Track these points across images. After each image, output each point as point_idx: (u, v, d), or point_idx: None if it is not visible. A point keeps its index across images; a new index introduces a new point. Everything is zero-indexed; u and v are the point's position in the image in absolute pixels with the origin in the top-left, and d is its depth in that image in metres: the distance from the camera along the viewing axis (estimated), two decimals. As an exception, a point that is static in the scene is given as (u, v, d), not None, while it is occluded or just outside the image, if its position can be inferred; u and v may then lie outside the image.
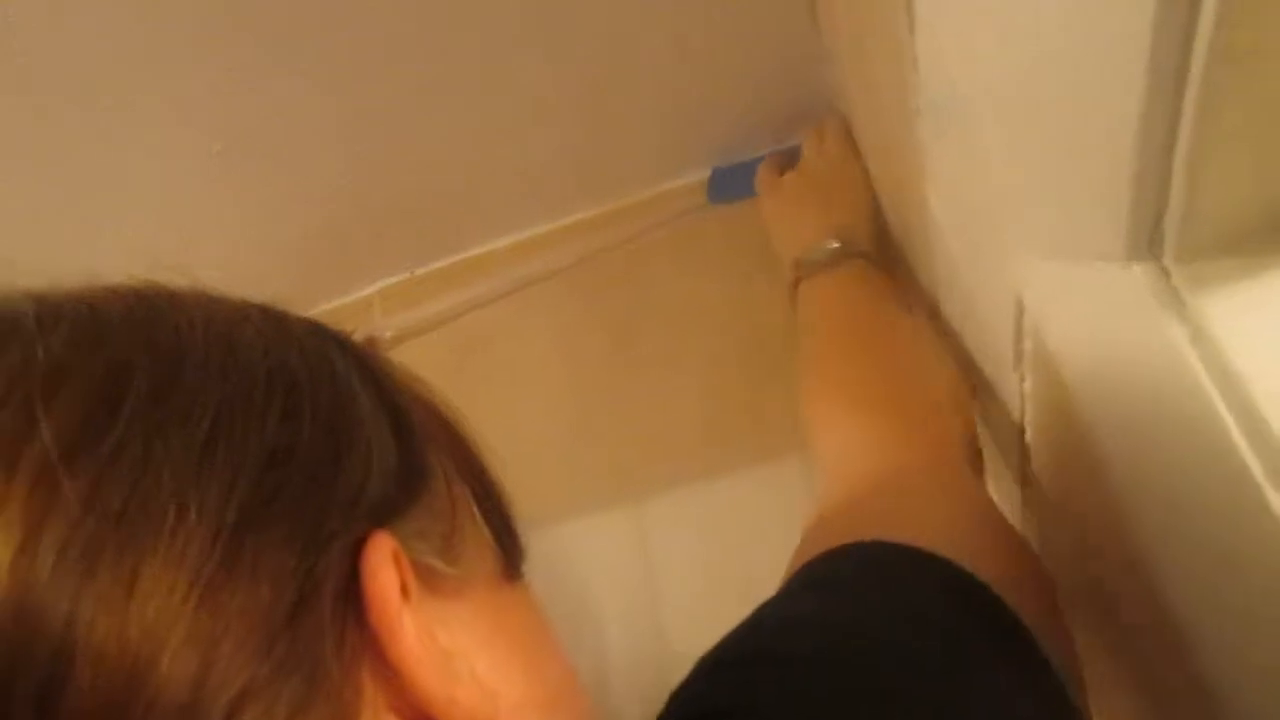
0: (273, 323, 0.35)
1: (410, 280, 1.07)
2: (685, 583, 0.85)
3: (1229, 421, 0.29)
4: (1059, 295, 0.38)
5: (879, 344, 0.70)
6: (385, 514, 0.32)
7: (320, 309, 1.09)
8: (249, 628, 0.27)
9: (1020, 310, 0.45)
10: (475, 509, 0.39)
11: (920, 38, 0.49)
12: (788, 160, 0.94)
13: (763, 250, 0.94)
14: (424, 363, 1.02)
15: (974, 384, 0.65)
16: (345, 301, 1.08)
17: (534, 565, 0.88)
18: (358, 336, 1.01)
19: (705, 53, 0.90)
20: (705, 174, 1.00)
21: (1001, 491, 0.72)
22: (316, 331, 0.37)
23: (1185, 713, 0.43)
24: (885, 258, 0.79)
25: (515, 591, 0.40)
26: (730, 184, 0.98)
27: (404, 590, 0.31)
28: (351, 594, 0.30)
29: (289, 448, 0.30)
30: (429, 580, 0.33)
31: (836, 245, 0.78)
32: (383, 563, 0.30)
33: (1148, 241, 0.32)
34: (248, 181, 0.95)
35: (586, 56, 0.88)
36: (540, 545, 0.87)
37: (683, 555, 0.86)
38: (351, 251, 1.05)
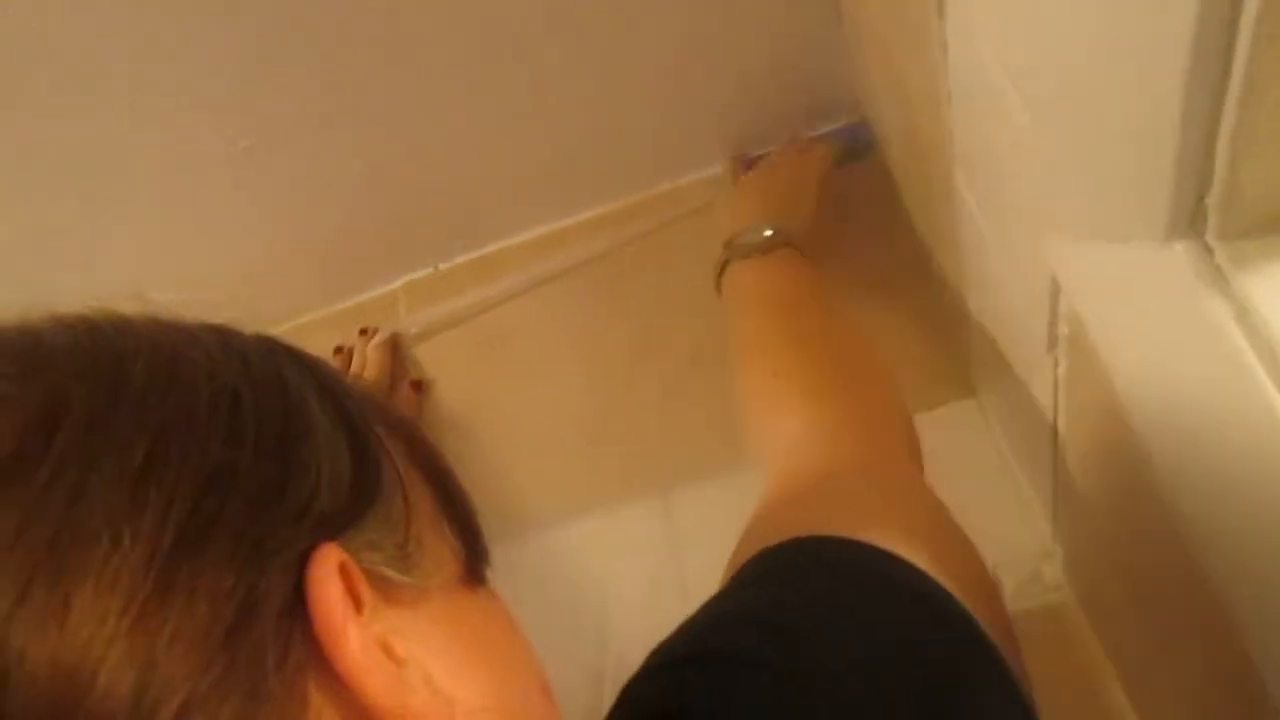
0: (221, 344, 0.35)
1: (435, 275, 1.08)
2: (711, 574, 0.85)
3: (1276, 399, 0.29)
4: (1097, 276, 0.38)
5: (826, 333, 0.70)
6: (336, 526, 0.32)
7: (346, 304, 1.10)
8: (186, 647, 0.27)
9: (1056, 293, 0.45)
10: (438, 516, 0.39)
11: (951, 22, 0.49)
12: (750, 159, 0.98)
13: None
14: (447, 357, 1.03)
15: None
16: (371, 296, 1.09)
17: (560, 560, 0.88)
18: (384, 333, 1.01)
19: (724, 46, 0.90)
20: (725, 166, 1.00)
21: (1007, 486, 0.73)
22: (270, 350, 0.37)
23: (1234, 709, 0.43)
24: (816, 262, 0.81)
25: (479, 598, 0.40)
26: (753, 175, 0.98)
27: (356, 601, 0.31)
28: (299, 606, 0.30)
29: (231, 468, 0.30)
30: (384, 590, 0.33)
31: (769, 232, 0.79)
32: (328, 576, 0.30)
33: (1189, 219, 0.32)
34: (273, 178, 0.95)
35: (606, 51, 0.89)
36: (565, 538, 0.88)
37: (708, 546, 0.86)
38: (376, 247, 1.06)
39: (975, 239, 0.60)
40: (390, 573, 0.33)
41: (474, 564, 0.40)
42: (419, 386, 1.01)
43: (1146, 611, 0.51)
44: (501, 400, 0.98)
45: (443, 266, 1.08)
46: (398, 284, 1.08)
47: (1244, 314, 0.30)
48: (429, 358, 1.03)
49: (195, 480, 0.29)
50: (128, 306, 0.35)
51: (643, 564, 0.86)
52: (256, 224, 1.00)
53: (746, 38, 0.90)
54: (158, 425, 0.30)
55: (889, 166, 0.92)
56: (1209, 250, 0.32)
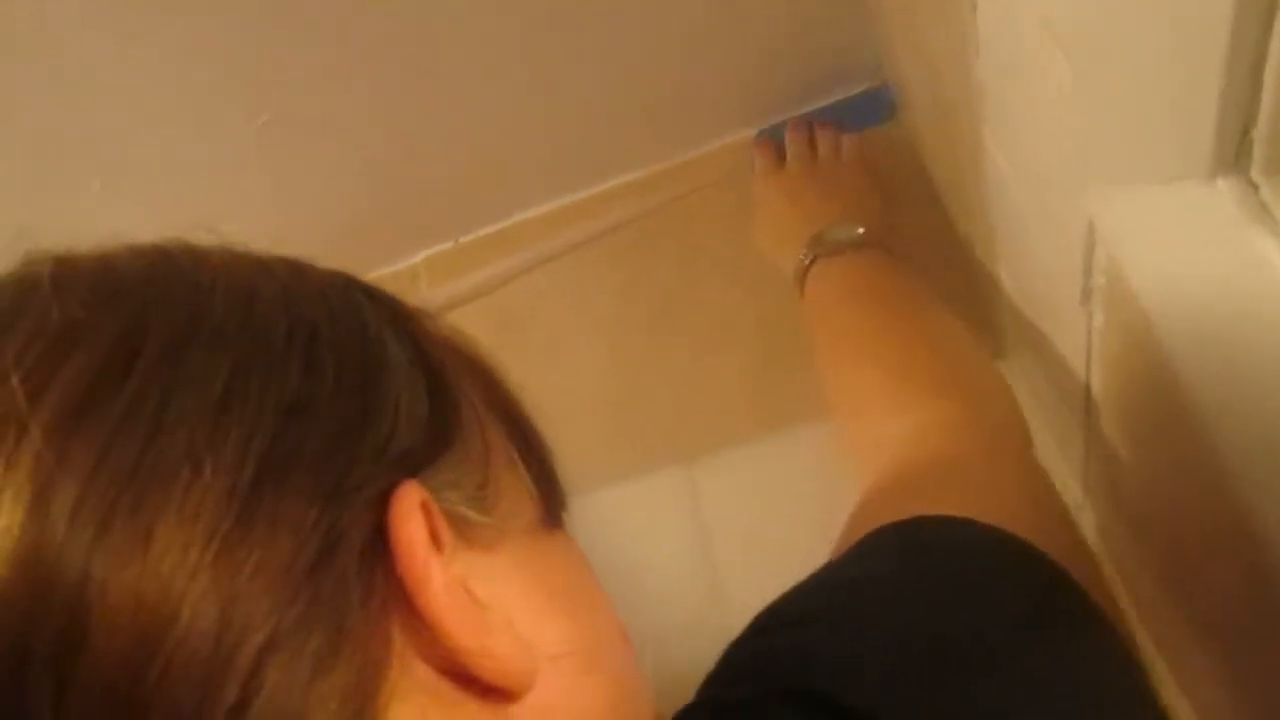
0: (297, 276, 0.35)
1: (455, 249, 1.07)
2: (738, 543, 0.85)
3: (1325, 334, 0.29)
4: (1137, 221, 0.38)
5: (923, 326, 0.69)
6: (415, 464, 0.32)
7: (367, 278, 1.09)
8: (270, 580, 0.27)
9: (1091, 244, 0.44)
10: (515, 458, 0.38)
11: (980, -25, 0.48)
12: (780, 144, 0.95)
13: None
14: (469, 331, 1.03)
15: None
16: (391, 270, 1.09)
17: (587, 531, 0.88)
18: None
19: (744, 10, 0.89)
20: (747, 134, 1.00)
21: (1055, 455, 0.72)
22: (346, 284, 0.37)
23: (1271, 664, 0.43)
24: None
25: (556, 541, 0.39)
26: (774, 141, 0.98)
27: (435, 540, 0.30)
28: (380, 545, 0.29)
29: (310, 400, 0.30)
30: (464, 531, 0.32)
31: (861, 230, 0.78)
32: (410, 512, 0.30)
33: (1234, 155, 0.31)
34: (292, 153, 0.95)
35: (625, 18, 0.88)
36: (592, 510, 0.88)
37: (734, 516, 0.86)
38: (396, 221, 1.05)
39: (1005, 197, 0.59)
40: (470, 513, 0.33)
41: (552, 508, 0.40)
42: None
43: (1184, 570, 0.51)
44: (523, 374, 0.98)
45: (463, 240, 1.07)
46: (418, 258, 1.08)
47: (1292, 249, 0.30)
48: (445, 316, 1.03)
49: (275, 412, 0.29)
50: (202, 239, 0.35)
51: (669, 535, 0.86)
52: (275, 200, 1.00)
53: (766, 2, 0.89)
54: (236, 356, 0.29)
55: (912, 130, 0.91)
56: (1254, 186, 0.32)
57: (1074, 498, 0.71)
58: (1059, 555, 0.40)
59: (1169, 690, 0.62)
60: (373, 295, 0.37)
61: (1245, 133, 0.31)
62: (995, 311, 0.77)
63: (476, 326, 1.02)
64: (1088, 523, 0.70)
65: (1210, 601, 0.49)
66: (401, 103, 0.92)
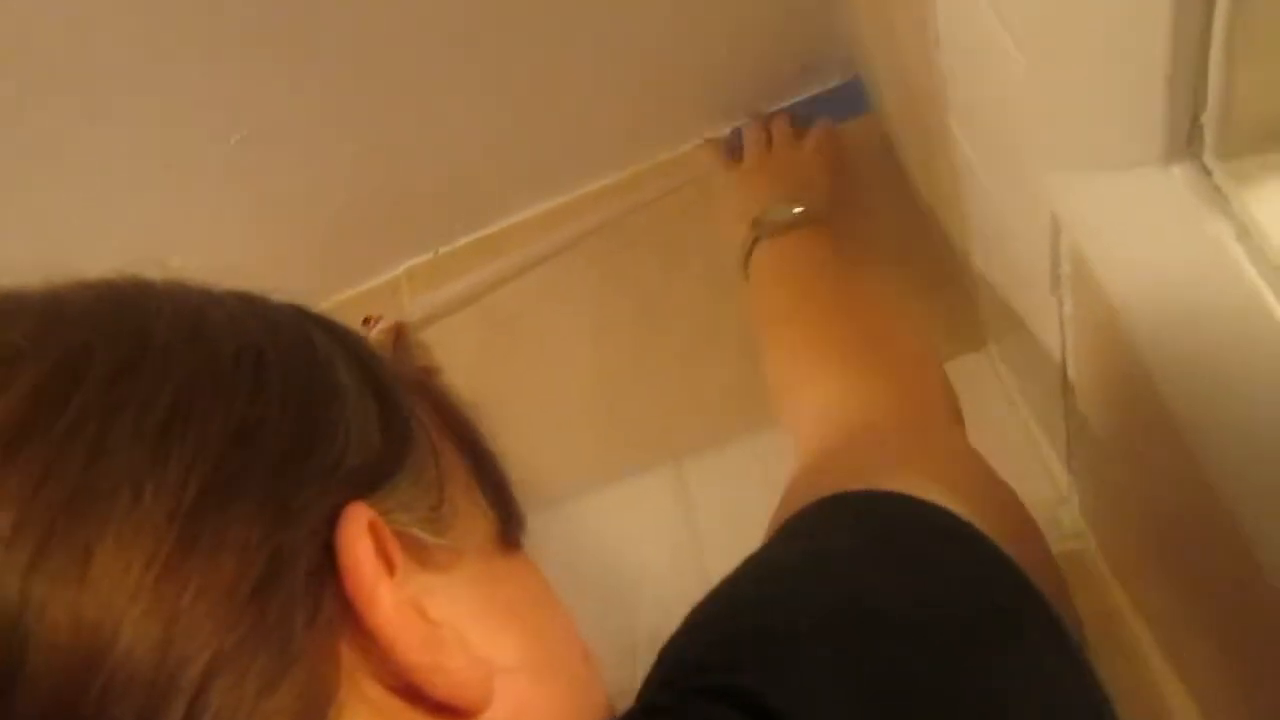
0: (246, 305, 0.35)
1: (436, 259, 1.07)
2: (726, 539, 0.85)
3: (1278, 314, 0.29)
4: (1097, 208, 0.38)
5: (855, 302, 0.69)
6: (365, 485, 0.32)
7: (348, 293, 1.09)
8: (213, 602, 0.27)
9: (1056, 231, 0.44)
10: (471, 483, 0.39)
11: (937, -36, 0.48)
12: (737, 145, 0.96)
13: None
14: (454, 340, 1.02)
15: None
16: (373, 284, 1.09)
17: (577, 532, 0.88)
18: (385, 322, 1.00)
19: (714, 8, 0.89)
20: (723, 132, 1.00)
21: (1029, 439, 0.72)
22: (297, 313, 0.37)
23: (1259, 642, 0.43)
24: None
25: (514, 563, 0.40)
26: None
27: (388, 561, 0.31)
28: (329, 566, 0.29)
29: (257, 424, 0.30)
30: (417, 552, 0.33)
31: (799, 209, 0.78)
32: (357, 534, 0.30)
33: (1186, 141, 0.31)
34: (269, 169, 0.95)
35: (596, 22, 0.88)
36: (582, 511, 0.88)
37: (723, 515, 0.86)
38: (376, 234, 1.05)
39: (973, 186, 0.59)
40: (423, 534, 0.33)
41: (508, 529, 0.40)
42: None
43: (1166, 548, 0.51)
44: (510, 378, 0.98)
45: (443, 250, 1.07)
46: (399, 270, 1.08)
47: (1245, 233, 0.30)
48: (435, 340, 1.03)
49: (219, 436, 0.29)
50: (151, 272, 0.35)
51: (659, 533, 0.86)
52: (253, 218, 1.00)
53: (736, 2, 0.89)
54: (180, 381, 0.29)
55: (884, 122, 0.91)
56: (1207, 171, 0.32)
57: (1060, 483, 0.71)
58: (997, 536, 0.39)
59: (1158, 668, 0.63)
60: (325, 325, 0.37)
61: (1195, 119, 0.31)
62: (973, 299, 0.77)
63: (460, 334, 1.02)
64: (1073, 507, 0.70)
65: (1191, 576, 0.49)
66: (375, 118, 0.92)
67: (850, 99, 0.95)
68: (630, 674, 0.81)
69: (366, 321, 1.02)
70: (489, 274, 1.03)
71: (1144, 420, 0.42)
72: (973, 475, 0.47)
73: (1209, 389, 0.34)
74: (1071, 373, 0.54)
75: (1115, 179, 0.35)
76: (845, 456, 0.51)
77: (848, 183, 0.88)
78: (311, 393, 0.33)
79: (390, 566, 0.31)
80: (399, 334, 1.02)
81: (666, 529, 0.86)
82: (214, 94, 0.86)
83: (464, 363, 1.01)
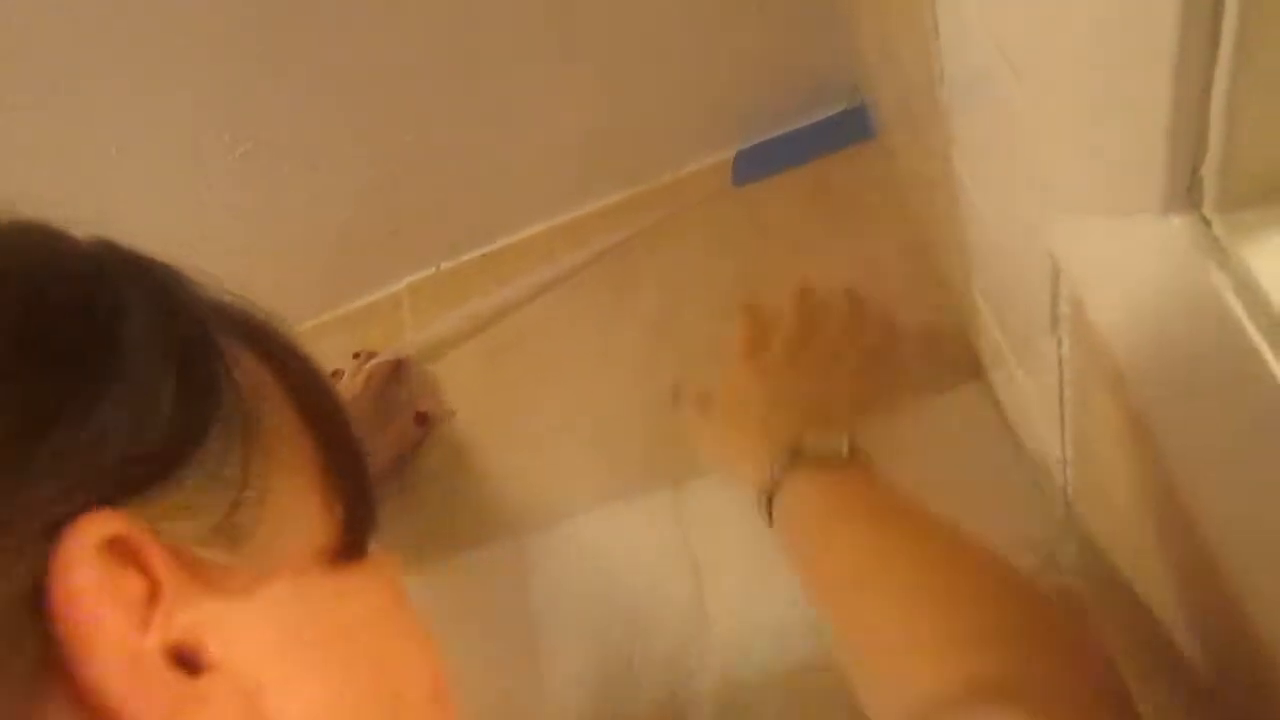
0: (46, 240, 0.29)
1: (438, 274, 1.07)
2: (723, 566, 0.84)
3: (1277, 370, 0.28)
4: (1096, 253, 0.38)
5: (970, 560, 0.55)
6: (127, 484, 0.25)
7: (348, 308, 1.10)
8: None
9: (1056, 272, 0.44)
10: (316, 477, 0.31)
11: (941, 1, 0.48)
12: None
13: (790, 229, 0.93)
14: (455, 357, 1.02)
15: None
16: (375, 298, 1.09)
17: (575, 554, 0.87)
18: (383, 356, 0.95)
19: (723, 30, 0.89)
20: (727, 154, 1.00)
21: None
22: (99, 256, 0.31)
23: (1245, 685, 0.43)
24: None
25: (353, 576, 0.32)
26: (754, 164, 0.98)
27: (150, 587, 0.24)
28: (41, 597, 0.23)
29: None
30: (200, 572, 0.26)
31: (845, 445, 0.65)
32: (81, 556, 0.23)
33: (1186, 192, 0.31)
34: (272, 182, 0.95)
35: (603, 41, 0.88)
36: (581, 532, 0.87)
37: (720, 539, 0.85)
38: (378, 249, 1.05)
39: (975, 220, 0.59)
40: (207, 552, 0.26)
41: (353, 534, 0.32)
42: (422, 420, 0.89)
43: (1156, 594, 0.50)
44: (509, 396, 0.98)
45: (445, 266, 1.07)
46: (400, 285, 1.08)
47: (1243, 286, 0.30)
48: (430, 356, 1.03)
49: None
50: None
51: (657, 558, 0.85)
52: (256, 231, 1.00)
53: (745, 21, 0.89)
54: None
55: (887, 150, 0.91)
56: (1206, 222, 0.31)
57: (1059, 519, 0.71)
58: None
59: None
60: (142, 271, 0.31)
61: (1195, 169, 0.30)
62: (974, 328, 0.76)
63: (461, 353, 1.02)
64: (1071, 546, 0.70)
65: (1183, 618, 0.48)
66: (381, 131, 0.92)
67: (855, 125, 0.94)
68: (629, 693, 0.81)
69: (356, 356, 1.00)
70: (491, 290, 1.03)
71: (1137, 465, 0.41)
72: None
73: (1205, 441, 0.34)
74: (1069, 411, 0.54)
75: (1114, 225, 0.35)
76: None
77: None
78: (71, 348, 0.26)
79: (152, 594, 0.24)
80: (400, 368, 0.99)
81: (664, 553, 0.85)
82: (219, 107, 0.86)
83: (467, 381, 1.00)
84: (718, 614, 0.80)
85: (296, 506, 0.30)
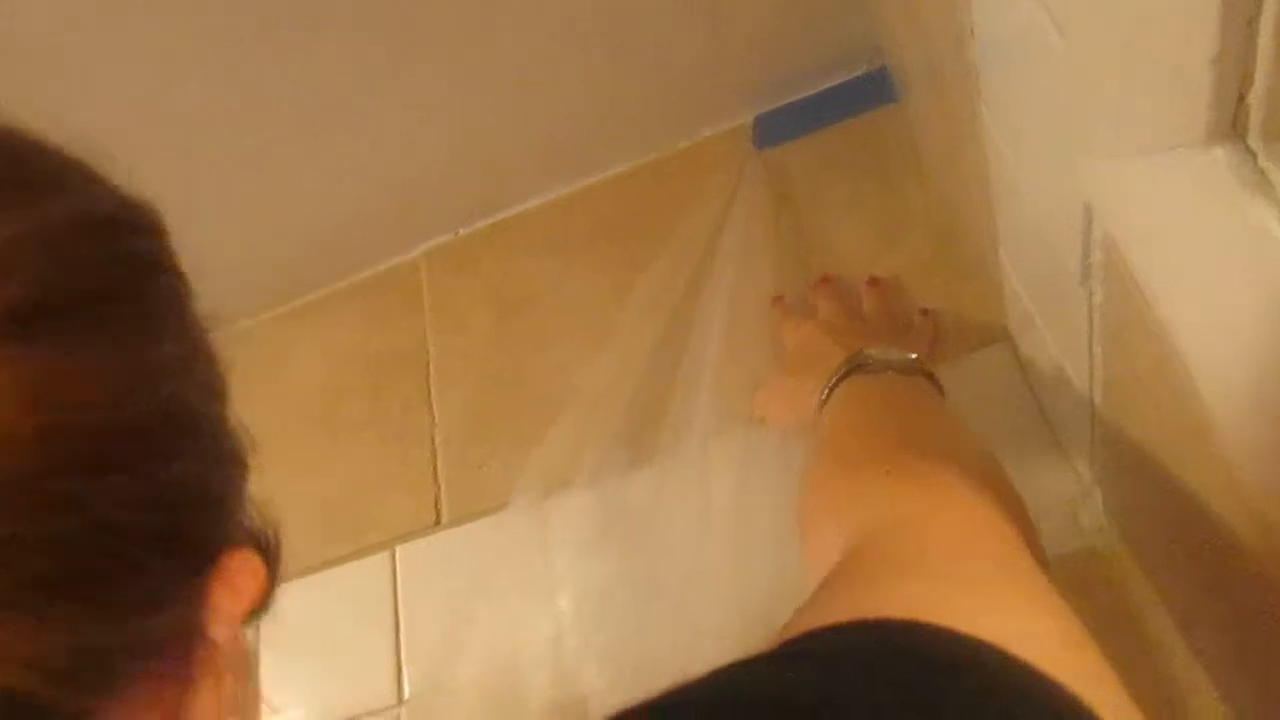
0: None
1: (455, 240, 1.07)
2: (756, 520, 0.83)
3: (1325, 302, 0.28)
4: (1132, 194, 0.37)
5: (931, 424, 0.61)
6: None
7: (366, 274, 1.09)
8: None
9: (1089, 219, 0.44)
10: None
11: (973, -51, 0.47)
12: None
13: (812, 193, 0.93)
14: (470, 320, 1.01)
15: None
16: (393, 264, 1.09)
17: (609, 516, 0.86)
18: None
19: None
20: (747, 119, 0.99)
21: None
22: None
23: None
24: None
25: None
26: (776, 128, 0.97)
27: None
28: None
29: None
30: None
31: (914, 356, 0.68)
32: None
33: (1230, 121, 0.31)
34: (290, 152, 0.95)
35: (622, 8, 0.87)
36: (603, 495, 0.86)
37: (747, 494, 0.84)
38: (396, 215, 1.05)
39: (1003, 177, 0.59)
40: None
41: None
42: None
43: (1191, 545, 0.50)
44: (521, 360, 0.98)
45: (463, 232, 1.07)
46: (417, 251, 1.08)
47: (1290, 217, 0.29)
48: (447, 322, 1.02)
49: None
50: None
51: (681, 512, 0.85)
52: (272, 200, 1.00)
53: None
54: None
55: (909, 113, 0.90)
56: (1252, 153, 0.31)
57: (1083, 478, 0.70)
58: (1051, 651, 0.32)
59: (1181, 666, 0.62)
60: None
61: (1241, 98, 0.30)
62: (999, 289, 0.76)
63: (479, 315, 1.01)
64: (1095, 502, 0.69)
65: (1215, 573, 0.48)
66: (396, 99, 0.92)
67: (877, 88, 0.94)
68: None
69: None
70: (508, 255, 1.02)
71: (1175, 413, 0.41)
72: (1045, 617, 0.38)
73: (1247, 385, 0.33)
74: (1099, 366, 0.53)
75: (1153, 163, 0.34)
76: (887, 575, 0.41)
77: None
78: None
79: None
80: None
81: (686, 511, 0.85)
82: (231, 78, 0.86)
83: (476, 343, 1.00)
84: (740, 573, 0.80)
85: None
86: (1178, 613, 0.59)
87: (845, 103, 0.95)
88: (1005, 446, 0.73)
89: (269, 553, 0.33)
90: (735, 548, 0.80)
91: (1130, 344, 0.45)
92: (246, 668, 0.28)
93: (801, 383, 0.73)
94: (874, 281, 0.83)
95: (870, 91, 0.94)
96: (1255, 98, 0.29)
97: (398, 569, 0.93)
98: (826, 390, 0.68)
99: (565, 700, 0.81)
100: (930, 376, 0.67)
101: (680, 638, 0.79)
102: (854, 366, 0.67)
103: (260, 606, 0.31)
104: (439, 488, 0.95)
